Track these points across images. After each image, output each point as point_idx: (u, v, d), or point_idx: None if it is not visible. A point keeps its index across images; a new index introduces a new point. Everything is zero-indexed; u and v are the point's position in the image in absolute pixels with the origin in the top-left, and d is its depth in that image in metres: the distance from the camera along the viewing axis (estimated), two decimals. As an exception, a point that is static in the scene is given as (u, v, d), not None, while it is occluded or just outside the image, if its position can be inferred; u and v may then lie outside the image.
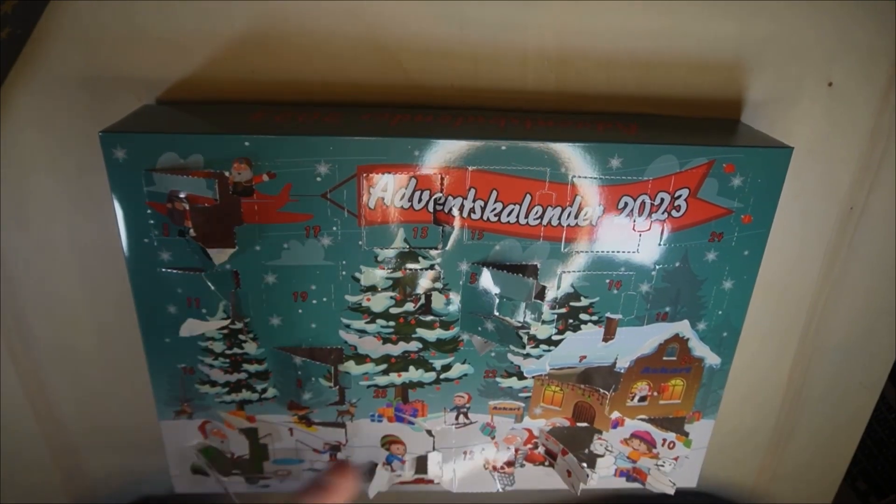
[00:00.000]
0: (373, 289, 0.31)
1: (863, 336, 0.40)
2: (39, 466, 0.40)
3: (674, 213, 0.30)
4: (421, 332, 0.32)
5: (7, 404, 0.37)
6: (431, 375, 0.34)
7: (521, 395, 0.35)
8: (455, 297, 0.31)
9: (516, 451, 0.37)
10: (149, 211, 0.28)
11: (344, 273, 0.30)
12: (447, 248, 0.30)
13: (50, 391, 0.38)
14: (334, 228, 0.29)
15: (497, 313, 0.31)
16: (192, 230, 0.28)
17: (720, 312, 0.33)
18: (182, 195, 0.27)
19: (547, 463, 0.37)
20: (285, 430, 0.35)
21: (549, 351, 0.33)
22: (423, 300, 0.31)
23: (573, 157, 0.28)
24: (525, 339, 0.32)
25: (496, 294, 0.31)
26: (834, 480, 0.42)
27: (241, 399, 0.34)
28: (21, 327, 0.36)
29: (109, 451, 0.40)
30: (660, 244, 0.30)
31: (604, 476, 0.37)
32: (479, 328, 0.32)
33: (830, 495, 0.47)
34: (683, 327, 0.33)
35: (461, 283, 0.31)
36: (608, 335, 0.33)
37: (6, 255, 0.34)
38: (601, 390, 0.34)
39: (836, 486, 0.46)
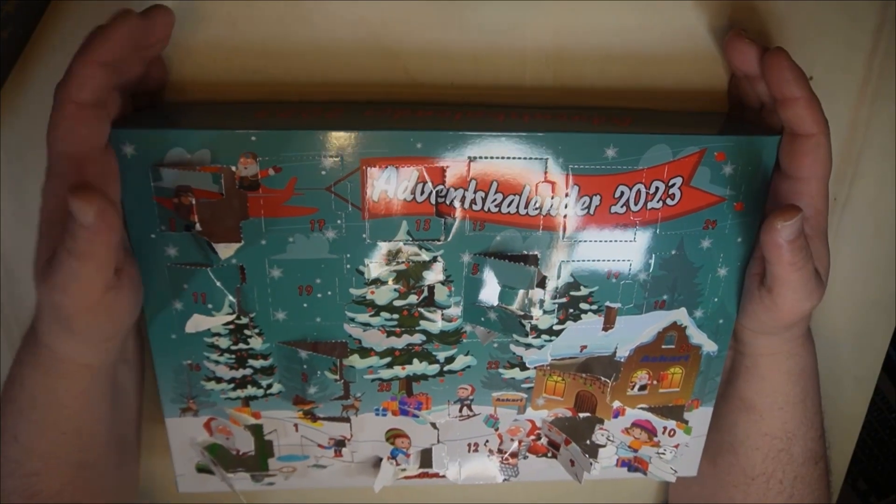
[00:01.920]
0: (377, 282, 0.31)
1: (852, 328, 0.41)
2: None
3: (668, 201, 0.31)
4: (424, 324, 0.33)
5: None
6: (435, 368, 0.34)
7: (524, 385, 0.35)
8: (458, 289, 0.32)
9: (520, 442, 0.37)
10: (156, 206, 0.28)
11: (348, 266, 0.31)
12: (449, 239, 0.30)
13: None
14: (339, 222, 0.29)
15: (499, 303, 0.32)
16: (198, 225, 0.29)
17: (716, 300, 0.34)
18: (189, 190, 0.28)
19: (550, 454, 0.38)
20: (290, 426, 0.35)
21: (550, 341, 0.34)
22: (426, 292, 0.32)
23: (570, 148, 0.29)
24: (528, 327, 0.32)
25: (498, 284, 0.31)
26: (834, 480, 0.43)
27: (246, 395, 0.34)
28: (23, 323, 0.36)
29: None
30: (656, 232, 0.31)
31: (606, 466, 0.38)
32: (482, 318, 0.32)
33: (832, 497, 0.47)
34: (681, 315, 0.34)
35: (463, 274, 0.31)
36: (608, 324, 0.33)
37: (7, 250, 0.34)
38: (602, 378, 0.35)
39: (837, 486, 0.46)
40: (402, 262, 0.31)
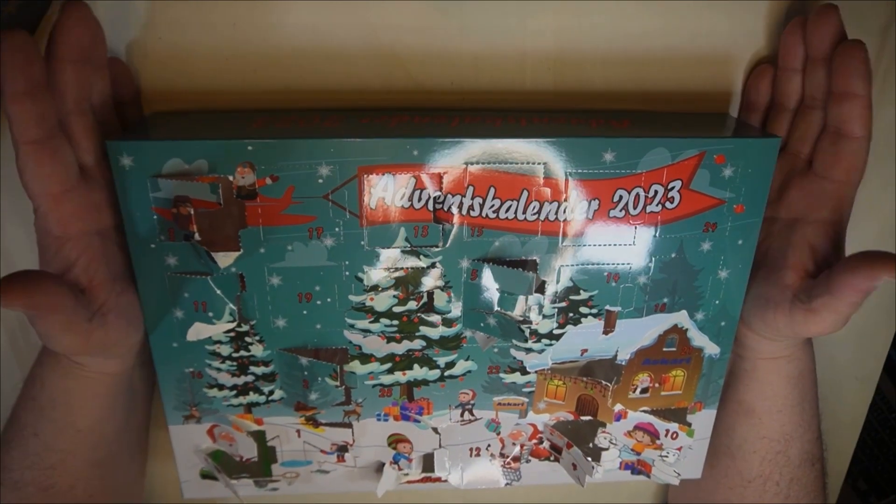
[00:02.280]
0: (376, 288, 0.31)
1: (854, 329, 0.41)
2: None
3: (668, 204, 0.31)
4: (424, 330, 0.33)
5: (9, 407, 0.37)
6: (436, 373, 0.34)
7: (525, 390, 0.35)
8: (457, 294, 0.32)
9: (521, 446, 0.37)
10: (155, 217, 0.29)
11: (347, 273, 0.31)
12: (447, 245, 0.30)
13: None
14: (337, 229, 0.30)
15: (498, 308, 0.31)
16: (197, 234, 0.29)
17: (717, 302, 0.33)
18: (187, 200, 0.28)
19: (552, 458, 0.38)
20: (293, 431, 0.35)
21: (550, 345, 0.34)
22: (425, 298, 0.32)
23: (568, 153, 0.29)
24: (527, 332, 0.32)
25: (497, 289, 0.31)
26: (834, 480, 0.43)
27: (248, 402, 0.34)
28: (23, 322, 0.36)
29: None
30: (655, 236, 0.31)
31: (609, 469, 0.38)
32: (482, 324, 0.32)
33: (832, 495, 0.47)
34: (682, 318, 0.34)
35: (462, 279, 0.31)
36: (608, 328, 0.33)
37: (7, 250, 0.34)
38: (603, 382, 0.35)
39: (837, 486, 0.46)
40: (401, 269, 0.31)
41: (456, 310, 0.32)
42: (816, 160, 0.30)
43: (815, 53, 0.29)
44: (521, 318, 0.32)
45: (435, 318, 0.32)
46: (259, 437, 0.35)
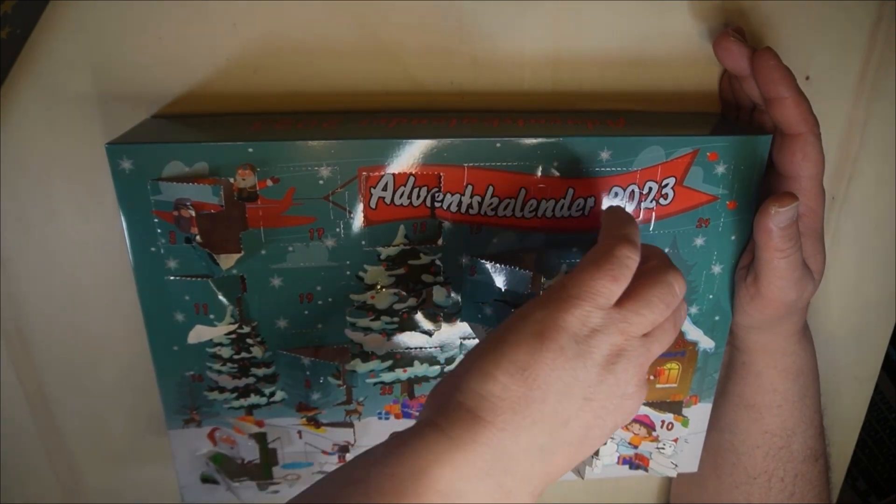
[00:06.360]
0: (376, 286, 0.32)
1: (852, 328, 0.41)
2: (39, 477, 0.40)
3: (662, 201, 0.31)
4: (420, 321, 0.33)
5: (7, 413, 0.37)
6: (436, 369, 0.34)
7: (524, 386, 0.35)
8: (456, 290, 0.32)
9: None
10: (155, 220, 0.29)
11: (348, 273, 0.31)
12: (446, 242, 0.31)
13: (52, 401, 0.38)
14: (337, 230, 0.30)
15: (495, 299, 0.32)
16: (198, 237, 0.29)
17: (711, 297, 0.34)
18: (188, 203, 0.28)
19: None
20: (294, 433, 0.35)
21: (549, 341, 0.34)
22: (424, 295, 0.32)
23: (565, 152, 0.29)
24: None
25: (496, 286, 0.32)
26: (834, 479, 0.43)
27: (249, 404, 0.34)
28: (22, 322, 0.36)
29: (112, 461, 0.40)
30: (649, 231, 0.32)
31: (607, 465, 0.38)
32: (479, 315, 0.33)
33: (832, 495, 0.47)
34: (676, 312, 0.34)
35: (462, 276, 0.32)
36: (605, 323, 0.34)
37: (7, 250, 0.34)
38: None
39: (837, 486, 0.46)
40: (402, 267, 0.31)
41: (455, 305, 0.33)
42: (774, 159, 0.31)
43: (736, 72, 0.31)
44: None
45: (432, 311, 0.33)
46: (260, 438, 0.35)
